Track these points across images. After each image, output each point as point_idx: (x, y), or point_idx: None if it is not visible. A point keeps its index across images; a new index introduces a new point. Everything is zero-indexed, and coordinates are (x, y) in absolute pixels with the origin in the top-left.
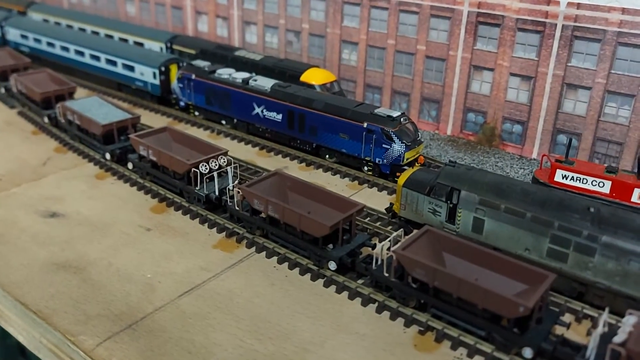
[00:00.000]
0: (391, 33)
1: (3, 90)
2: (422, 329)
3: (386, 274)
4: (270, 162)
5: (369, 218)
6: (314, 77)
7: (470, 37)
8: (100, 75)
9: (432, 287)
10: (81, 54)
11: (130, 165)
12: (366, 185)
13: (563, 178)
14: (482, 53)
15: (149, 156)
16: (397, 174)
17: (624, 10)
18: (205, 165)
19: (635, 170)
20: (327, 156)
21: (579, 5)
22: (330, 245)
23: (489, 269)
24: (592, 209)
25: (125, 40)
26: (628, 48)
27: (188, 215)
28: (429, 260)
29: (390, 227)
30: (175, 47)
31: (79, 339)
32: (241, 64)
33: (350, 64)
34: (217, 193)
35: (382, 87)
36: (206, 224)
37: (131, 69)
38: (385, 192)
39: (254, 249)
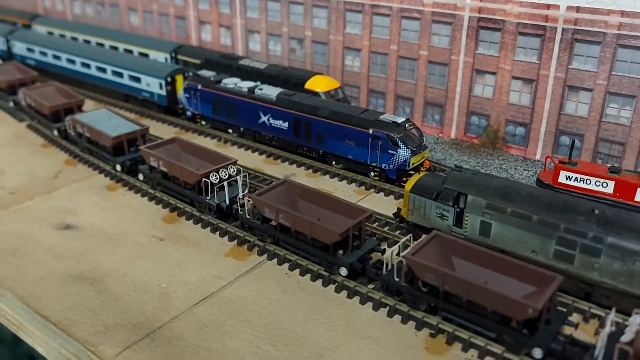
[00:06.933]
0: (393, 39)
1: (12, 104)
2: (433, 331)
3: (397, 279)
4: (278, 169)
5: (377, 223)
6: (319, 84)
7: (472, 42)
8: (107, 86)
9: (442, 291)
10: (87, 66)
11: (140, 176)
12: (373, 190)
13: (567, 179)
14: (483, 57)
15: (160, 167)
16: (404, 178)
17: (622, 13)
18: (216, 175)
19: (639, 169)
20: (333, 162)
21: (578, 9)
22: (341, 252)
23: (497, 272)
24: (596, 211)
25: (130, 52)
26: (628, 50)
27: (199, 225)
28: (439, 264)
29: (398, 231)
30: (180, 57)
31: (99, 349)
32: (246, 73)
33: (353, 70)
34: (227, 202)
35: (385, 93)
36: (217, 233)
37: (137, 80)
38: (392, 196)
39: (265, 256)
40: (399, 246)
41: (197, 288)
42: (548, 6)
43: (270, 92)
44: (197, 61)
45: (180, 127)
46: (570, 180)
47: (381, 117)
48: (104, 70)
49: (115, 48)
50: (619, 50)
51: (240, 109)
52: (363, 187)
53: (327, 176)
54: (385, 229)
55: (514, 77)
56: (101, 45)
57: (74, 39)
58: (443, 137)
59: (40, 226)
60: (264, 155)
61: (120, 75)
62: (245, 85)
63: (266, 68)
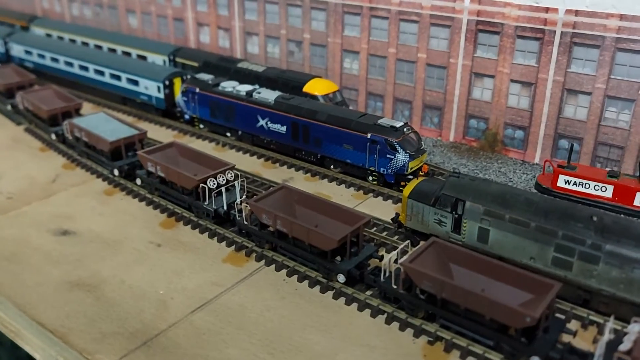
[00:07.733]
0: (392, 42)
1: (9, 107)
2: (431, 339)
3: (394, 286)
4: (276, 173)
5: (375, 228)
6: (317, 87)
7: (471, 45)
8: (105, 89)
9: (440, 299)
10: (85, 69)
11: (138, 181)
12: (371, 194)
13: (566, 183)
14: (482, 60)
15: (157, 172)
16: (402, 183)
17: (621, 17)
18: (213, 181)
19: (637, 174)
20: (332, 166)
21: (577, 12)
22: (339, 258)
23: (495, 279)
24: (595, 218)
25: (129, 54)
26: (627, 53)
27: (197, 230)
28: (436, 271)
29: (396, 237)
30: (178, 59)
31: (96, 357)
32: (244, 76)
33: (352, 72)
34: (225, 208)
35: (384, 95)
36: (215, 238)
37: (135, 83)
38: (390, 201)
39: (263, 262)
40: (396, 253)
41: (195, 295)
42: (547, 9)
43: (268, 95)
44: (195, 64)
45: (179, 131)
46: (569, 184)
47: (379, 121)
48: (102, 73)
49: (114, 50)
50: (618, 53)
51: (238, 112)
52: (361, 191)
53: (326, 180)
54: (384, 234)
55: (513, 81)
56: (99, 47)
57: (72, 41)
58: (442, 140)
59: (37, 232)
60: (262, 159)
61: (119, 78)
62: (244, 88)
63: (264, 71)
